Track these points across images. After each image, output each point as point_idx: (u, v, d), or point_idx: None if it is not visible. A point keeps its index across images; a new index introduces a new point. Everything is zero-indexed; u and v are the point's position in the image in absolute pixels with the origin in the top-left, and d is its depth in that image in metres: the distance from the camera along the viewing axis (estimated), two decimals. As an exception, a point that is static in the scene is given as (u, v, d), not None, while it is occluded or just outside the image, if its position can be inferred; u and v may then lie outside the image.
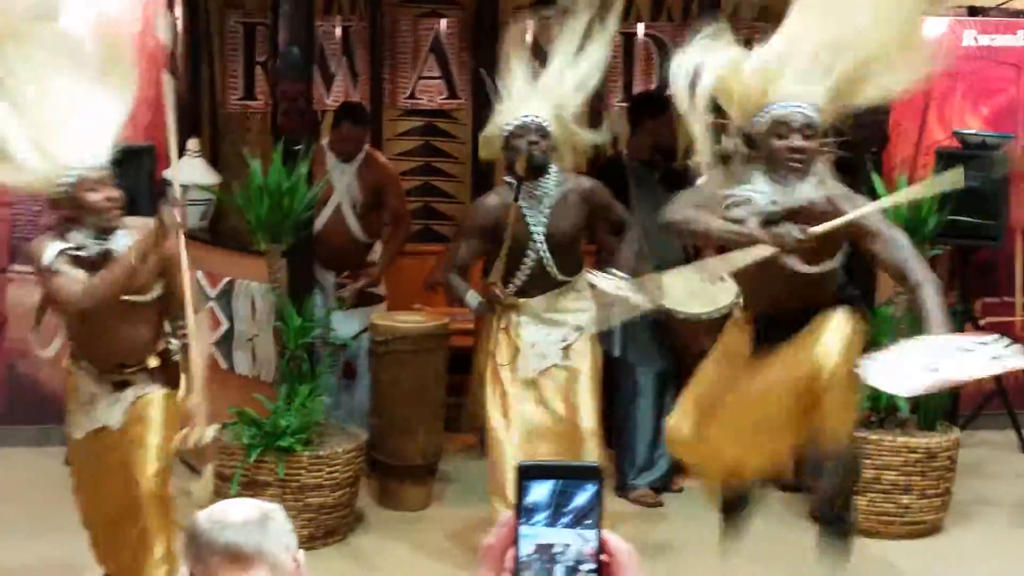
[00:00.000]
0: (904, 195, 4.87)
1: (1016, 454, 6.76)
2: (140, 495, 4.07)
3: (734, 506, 4.59)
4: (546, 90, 4.91)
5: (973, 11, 7.21)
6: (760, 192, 4.03)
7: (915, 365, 3.57)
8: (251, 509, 2.24)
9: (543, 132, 4.88)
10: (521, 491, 1.08)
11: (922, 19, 4.21)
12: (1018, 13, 7.21)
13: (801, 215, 4.00)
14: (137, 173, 6.05)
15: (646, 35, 7.29)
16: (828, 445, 4.15)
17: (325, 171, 5.96)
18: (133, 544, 4.11)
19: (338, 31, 7.21)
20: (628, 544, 1.09)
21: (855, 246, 4.17)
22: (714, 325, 5.83)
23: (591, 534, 1.08)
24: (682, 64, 4.19)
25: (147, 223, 4.20)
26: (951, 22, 7.07)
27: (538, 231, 4.99)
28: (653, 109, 6.23)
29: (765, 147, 4.04)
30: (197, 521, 2.23)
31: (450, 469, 6.19)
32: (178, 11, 6.62)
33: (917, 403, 5.42)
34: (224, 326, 5.91)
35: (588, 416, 4.96)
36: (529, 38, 7.34)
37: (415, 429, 5.79)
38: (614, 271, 4.81)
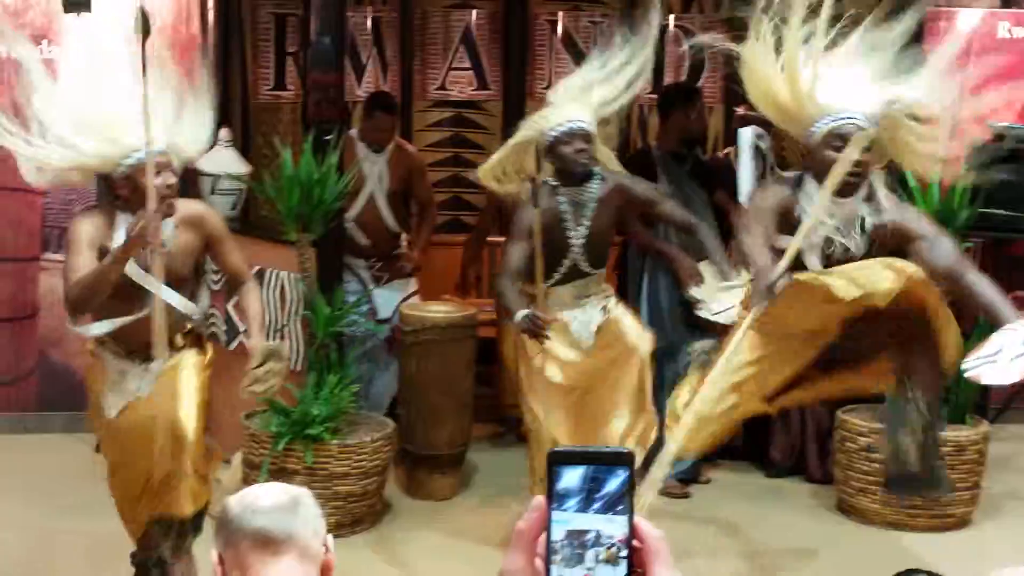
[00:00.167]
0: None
1: (1047, 448, 6.72)
2: (178, 437, 4.07)
3: None
4: (591, 93, 4.83)
5: (1007, 2, 7.16)
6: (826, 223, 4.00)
7: (1009, 355, 3.61)
8: (281, 494, 2.25)
9: (588, 138, 4.82)
10: (552, 476, 1.08)
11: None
12: (1053, 5, 7.16)
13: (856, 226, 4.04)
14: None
15: (676, 27, 7.28)
16: (947, 366, 4.10)
17: (355, 161, 5.97)
18: (169, 483, 4.13)
19: (369, 22, 7.23)
20: (659, 530, 1.10)
21: (902, 250, 4.17)
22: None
23: (622, 520, 1.08)
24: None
25: (196, 215, 4.26)
26: (985, 14, 7.02)
27: (578, 235, 4.93)
28: (682, 101, 6.21)
29: (820, 158, 4.00)
30: (228, 506, 2.25)
31: (477, 458, 6.21)
32: (210, 2, 6.65)
33: (947, 396, 5.40)
34: (254, 315, 5.93)
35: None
36: (560, 31, 7.37)
37: (443, 418, 5.80)
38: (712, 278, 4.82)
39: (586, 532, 1.08)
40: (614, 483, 1.08)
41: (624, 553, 1.07)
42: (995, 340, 3.81)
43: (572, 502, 1.08)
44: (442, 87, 7.42)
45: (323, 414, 5.20)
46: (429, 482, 5.85)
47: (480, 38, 7.40)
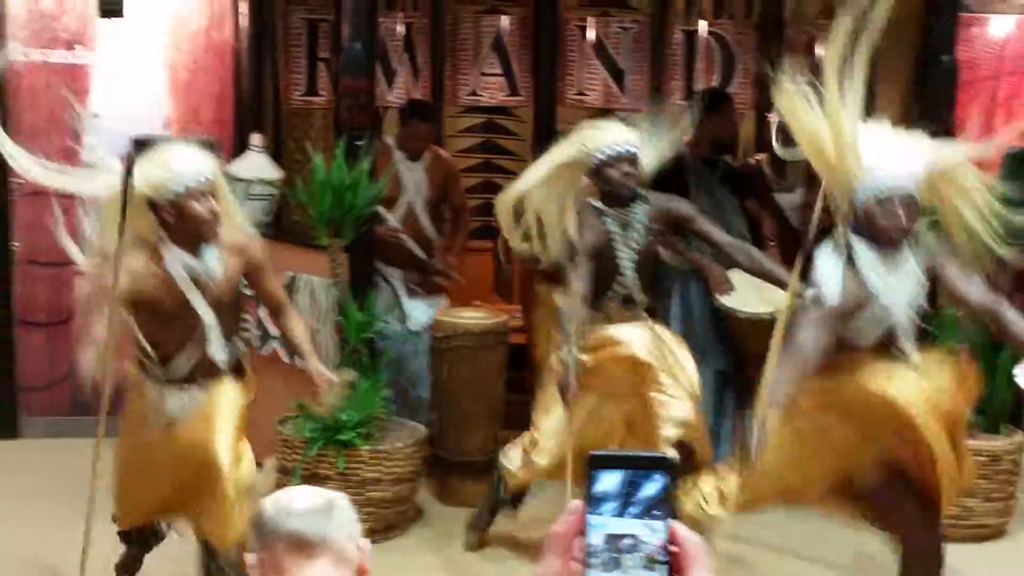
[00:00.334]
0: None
1: (1082, 458, 6.65)
2: (214, 464, 4.08)
3: None
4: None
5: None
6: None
7: None
8: (316, 497, 2.26)
9: (635, 161, 4.78)
10: (590, 480, 1.08)
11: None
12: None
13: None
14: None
15: (708, 33, 7.26)
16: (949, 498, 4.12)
17: (390, 168, 5.96)
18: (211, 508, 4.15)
19: (400, 28, 7.25)
20: (696, 535, 1.09)
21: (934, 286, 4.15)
22: (773, 326, 5.80)
23: (660, 525, 1.07)
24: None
25: (239, 243, 4.22)
26: (1019, 19, 6.97)
27: (628, 257, 4.88)
28: (714, 106, 6.20)
29: (870, 221, 3.93)
30: (263, 508, 2.25)
31: (508, 465, 6.19)
32: (243, 8, 6.69)
33: (981, 406, 5.35)
34: (286, 320, 5.95)
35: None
36: (591, 36, 7.37)
37: (475, 425, 5.81)
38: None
39: (623, 537, 1.07)
40: (652, 488, 1.07)
41: (662, 558, 1.07)
42: None
43: (609, 506, 1.07)
44: (473, 93, 7.44)
45: (355, 419, 5.21)
46: (461, 488, 5.85)
47: (511, 44, 7.41)
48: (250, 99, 6.71)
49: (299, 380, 5.78)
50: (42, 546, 5.10)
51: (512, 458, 5.09)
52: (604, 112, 7.29)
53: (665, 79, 7.28)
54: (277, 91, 6.92)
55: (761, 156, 6.65)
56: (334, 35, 6.68)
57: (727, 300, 5.83)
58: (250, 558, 2.22)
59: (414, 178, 6.25)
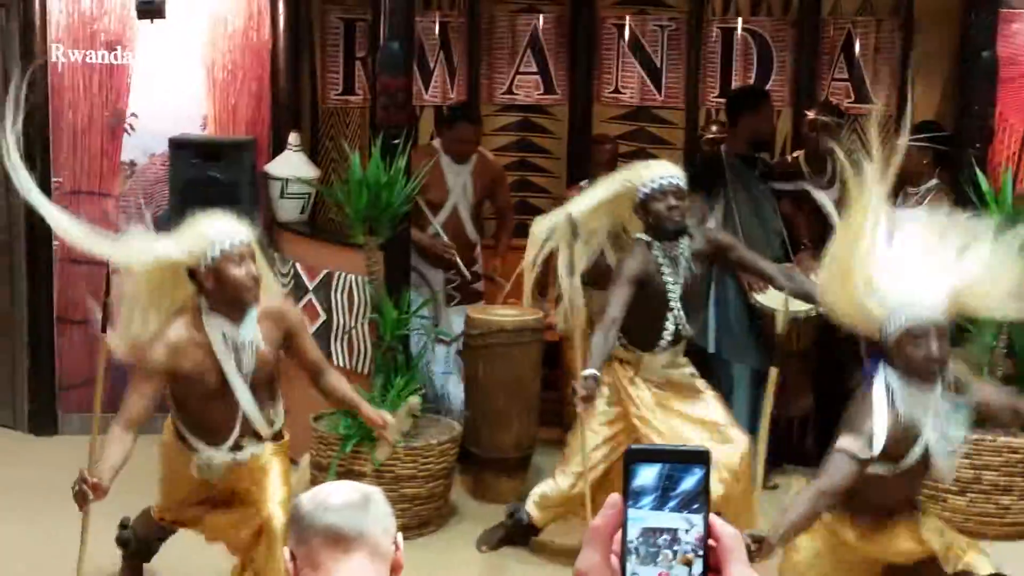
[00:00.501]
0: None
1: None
2: (269, 527, 4.10)
3: None
4: None
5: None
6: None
7: None
8: (353, 492, 2.27)
9: (681, 194, 4.76)
10: (628, 474, 1.08)
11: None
12: None
13: None
14: (239, 166, 6.19)
15: (744, 30, 7.24)
16: None
17: (428, 168, 5.90)
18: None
19: (437, 27, 7.26)
20: (734, 528, 1.09)
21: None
22: (809, 325, 5.79)
23: (697, 518, 1.07)
24: None
25: (276, 310, 4.18)
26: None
27: (676, 290, 4.85)
28: (751, 104, 6.18)
29: (901, 357, 3.85)
30: (300, 503, 2.27)
31: (543, 462, 6.19)
32: (280, 7, 6.72)
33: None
34: (321, 318, 5.98)
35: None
36: (627, 34, 7.36)
37: (509, 422, 5.81)
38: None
39: (661, 530, 1.07)
40: (690, 481, 1.08)
41: (700, 551, 1.07)
42: None
43: (647, 500, 1.08)
44: (509, 91, 7.44)
45: (390, 416, 5.23)
46: (495, 485, 5.87)
47: (547, 42, 7.40)
48: (287, 98, 6.74)
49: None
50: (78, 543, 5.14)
51: (535, 495, 5.22)
52: (640, 110, 7.29)
53: (702, 77, 7.26)
54: (314, 90, 6.95)
55: (798, 153, 6.62)
56: (371, 34, 6.69)
57: (763, 298, 5.81)
58: (285, 552, 2.24)
59: (460, 181, 6.27)
